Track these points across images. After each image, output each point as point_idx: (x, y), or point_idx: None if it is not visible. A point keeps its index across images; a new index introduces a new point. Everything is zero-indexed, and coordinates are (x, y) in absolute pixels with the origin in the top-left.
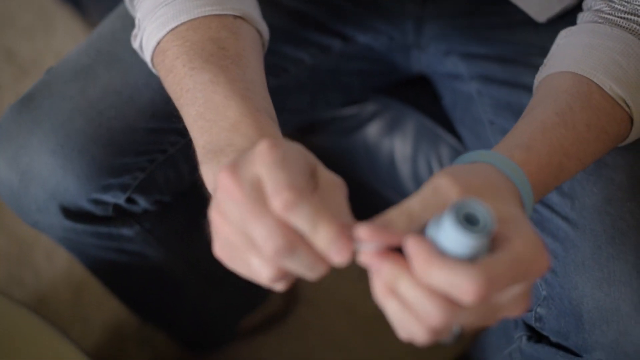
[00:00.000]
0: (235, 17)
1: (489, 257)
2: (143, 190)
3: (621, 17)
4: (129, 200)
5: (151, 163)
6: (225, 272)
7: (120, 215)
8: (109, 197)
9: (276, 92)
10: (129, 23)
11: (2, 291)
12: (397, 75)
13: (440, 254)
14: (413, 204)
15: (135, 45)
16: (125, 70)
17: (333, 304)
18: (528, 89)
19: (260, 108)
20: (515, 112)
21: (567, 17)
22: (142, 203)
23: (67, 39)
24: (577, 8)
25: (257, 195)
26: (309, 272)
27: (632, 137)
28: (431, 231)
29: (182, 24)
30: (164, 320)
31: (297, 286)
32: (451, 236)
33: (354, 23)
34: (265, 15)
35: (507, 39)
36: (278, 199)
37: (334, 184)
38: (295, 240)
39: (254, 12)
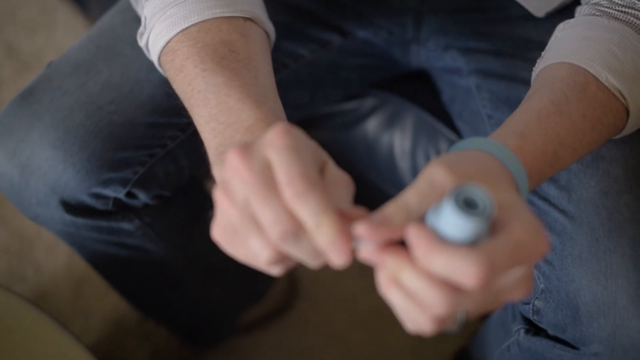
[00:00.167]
0: (245, 19)
1: (490, 241)
2: (143, 185)
3: (619, 10)
4: (129, 194)
5: (151, 157)
6: (226, 266)
7: (120, 209)
8: (109, 191)
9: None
10: (130, 18)
11: (3, 286)
12: (397, 70)
13: (441, 240)
14: (409, 197)
15: (142, 43)
16: (125, 65)
17: (333, 299)
18: (527, 83)
19: (273, 111)
20: (514, 106)
21: (566, 12)
22: (142, 197)
23: (68, 34)
24: (575, 3)
25: (266, 177)
26: (311, 260)
27: (628, 129)
28: (431, 219)
29: (193, 25)
30: (164, 314)
31: (296, 281)
32: (451, 221)
33: (353, 18)
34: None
35: (505, 34)
36: (291, 187)
37: (342, 181)
38: (301, 228)
39: (262, 13)
